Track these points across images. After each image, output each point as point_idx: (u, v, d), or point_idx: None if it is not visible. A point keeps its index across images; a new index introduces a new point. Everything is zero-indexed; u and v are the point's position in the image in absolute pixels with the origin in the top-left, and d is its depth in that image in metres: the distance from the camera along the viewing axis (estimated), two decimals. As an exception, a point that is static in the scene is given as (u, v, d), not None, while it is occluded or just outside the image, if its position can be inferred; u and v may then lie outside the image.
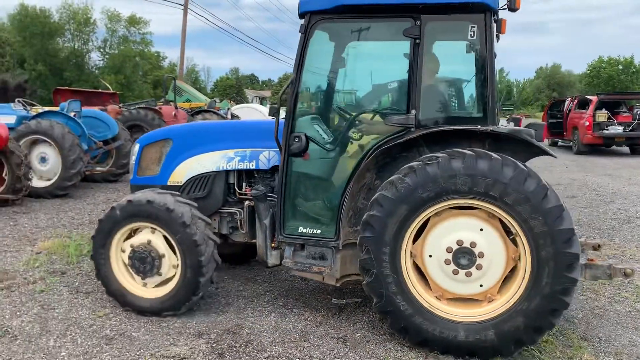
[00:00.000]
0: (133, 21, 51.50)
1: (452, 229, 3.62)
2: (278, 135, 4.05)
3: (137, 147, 4.86)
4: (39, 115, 9.83)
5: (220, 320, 4.21)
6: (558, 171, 13.65)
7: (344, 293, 4.82)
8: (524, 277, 3.50)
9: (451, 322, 3.61)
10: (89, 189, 10.33)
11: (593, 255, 4.35)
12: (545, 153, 3.73)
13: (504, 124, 4.48)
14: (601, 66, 64.17)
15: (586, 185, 11.46)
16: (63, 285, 4.93)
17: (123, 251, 4.22)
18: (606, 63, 64.25)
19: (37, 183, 9.19)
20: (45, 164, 9.35)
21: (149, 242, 4.13)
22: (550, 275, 3.40)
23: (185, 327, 4.07)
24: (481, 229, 3.58)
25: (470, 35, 3.69)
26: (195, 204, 4.26)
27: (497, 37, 3.95)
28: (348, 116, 4.35)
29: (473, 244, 3.57)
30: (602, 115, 17.99)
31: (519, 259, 3.56)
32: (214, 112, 16.54)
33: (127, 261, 4.20)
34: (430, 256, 3.68)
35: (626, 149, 18.88)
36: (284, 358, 3.62)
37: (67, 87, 18.00)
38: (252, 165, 4.46)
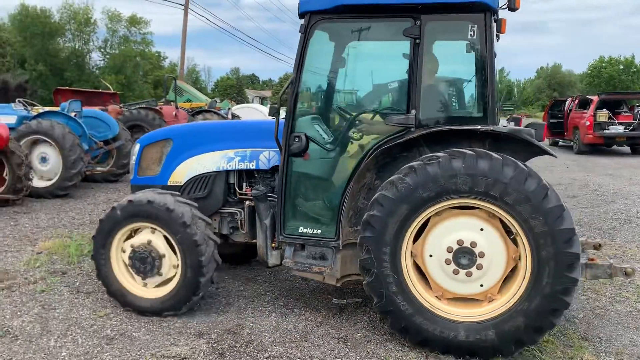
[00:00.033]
0: (134, 21, 51.52)
1: (453, 228, 3.62)
2: (278, 135, 4.05)
3: (137, 147, 4.86)
4: (39, 115, 9.84)
5: (221, 320, 4.22)
6: (559, 171, 13.65)
7: (345, 293, 4.82)
8: (524, 277, 3.50)
9: (452, 322, 3.61)
10: (89, 189, 10.34)
11: (594, 254, 4.35)
12: (546, 153, 3.73)
13: (504, 124, 4.48)
14: (602, 66, 64.08)
15: (587, 185, 11.45)
16: (64, 286, 4.93)
17: (123, 251, 4.22)
18: (607, 63, 64.16)
19: (37, 183, 9.20)
20: (46, 164, 9.36)
21: (149, 242, 4.13)
22: (551, 275, 3.40)
23: (186, 327, 4.07)
24: (481, 229, 3.58)
25: (470, 35, 3.69)
26: (196, 204, 4.26)
27: (497, 36, 3.95)
28: (348, 116, 4.35)
29: (473, 244, 3.57)
30: (603, 115, 17.98)
31: (520, 259, 3.56)
32: (215, 112, 16.55)
33: (127, 261, 4.21)
34: (430, 256, 3.68)
35: (627, 148, 18.87)
36: (284, 358, 3.62)
37: (67, 87, 17.99)
38: (253, 165, 4.46)
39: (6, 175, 8.36)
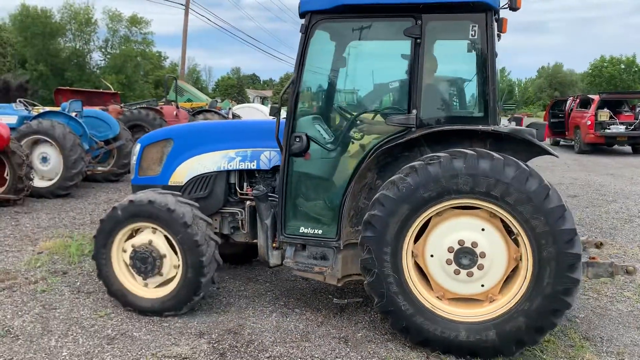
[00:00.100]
0: (134, 21, 51.52)
1: (454, 228, 3.62)
2: (279, 135, 4.05)
3: (138, 147, 4.86)
4: (40, 115, 9.84)
5: (222, 320, 4.22)
6: (560, 170, 13.64)
7: (345, 293, 4.82)
8: (525, 277, 3.50)
9: (452, 322, 3.61)
10: (90, 189, 10.34)
11: (595, 253, 4.34)
12: (547, 152, 3.72)
13: (505, 124, 4.48)
14: (603, 65, 64.04)
15: (588, 184, 11.44)
16: (64, 285, 4.93)
17: (124, 251, 4.22)
18: (608, 62, 64.13)
19: (38, 183, 9.20)
20: (47, 164, 9.36)
21: (150, 242, 4.13)
22: (552, 275, 3.39)
23: (187, 327, 4.07)
24: (483, 229, 3.58)
25: (472, 34, 3.69)
26: (197, 204, 4.26)
27: (499, 36, 3.95)
28: (349, 116, 4.35)
29: (474, 244, 3.56)
30: (604, 115, 17.98)
31: (521, 259, 3.55)
32: (215, 112, 16.54)
33: (128, 261, 4.21)
34: (431, 256, 3.67)
35: (628, 148, 18.87)
36: (285, 358, 3.62)
37: (68, 87, 18.00)
38: (253, 165, 4.46)
39: (7, 175, 8.36)
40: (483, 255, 3.56)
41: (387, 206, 3.57)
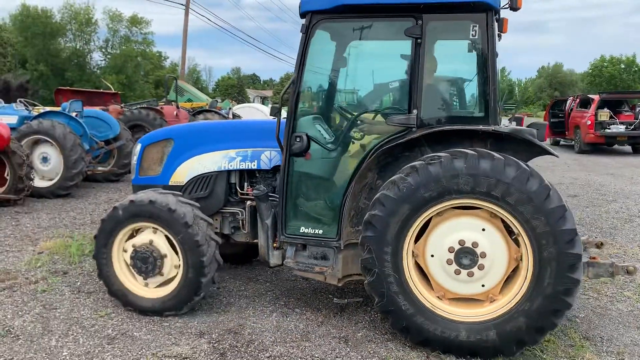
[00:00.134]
0: (135, 21, 51.54)
1: (454, 228, 3.62)
2: (279, 135, 4.05)
3: (138, 147, 4.86)
4: (40, 115, 9.84)
5: (222, 320, 4.22)
6: (560, 170, 13.64)
7: (346, 293, 4.82)
8: (526, 278, 3.50)
9: (453, 322, 3.61)
10: (90, 189, 10.34)
11: (595, 253, 4.34)
12: (548, 153, 3.72)
13: (505, 124, 4.48)
14: (603, 65, 64.05)
15: (588, 184, 11.44)
16: (65, 285, 4.93)
17: (125, 251, 4.22)
18: (608, 62, 64.12)
19: (39, 183, 9.20)
20: (47, 164, 9.36)
21: (151, 242, 4.13)
22: (553, 275, 3.39)
23: (187, 326, 4.07)
24: (483, 229, 3.58)
25: (472, 34, 3.69)
26: (198, 205, 4.26)
27: (499, 36, 3.95)
28: (349, 116, 4.35)
29: (475, 244, 3.56)
30: (604, 114, 17.97)
31: (521, 259, 3.55)
32: (216, 112, 16.55)
33: (129, 261, 4.21)
34: (432, 256, 3.67)
35: (628, 148, 18.87)
36: (285, 358, 3.62)
37: (68, 87, 17.99)
38: (254, 165, 4.46)
39: (7, 175, 8.37)
40: (484, 255, 3.56)
41: (388, 206, 3.57)
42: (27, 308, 4.39)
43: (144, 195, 4.16)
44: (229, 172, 4.57)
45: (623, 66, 63.78)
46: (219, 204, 4.57)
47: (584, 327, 4.21)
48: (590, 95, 19.83)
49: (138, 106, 14.60)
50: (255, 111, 20.14)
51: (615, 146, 18.89)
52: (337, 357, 3.66)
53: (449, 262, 3.62)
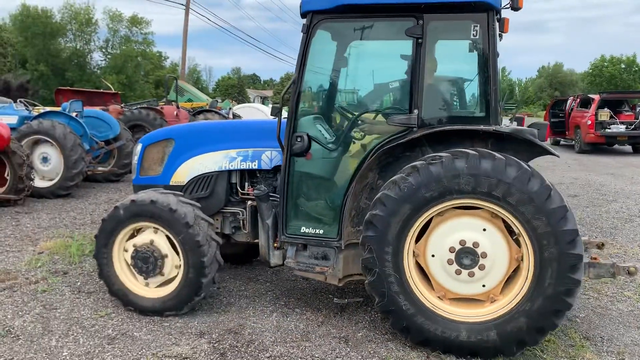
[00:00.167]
0: (135, 21, 51.55)
1: (455, 228, 3.62)
2: (280, 135, 4.05)
3: (139, 147, 4.86)
4: (40, 115, 9.84)
5: (222, 320, 4.21)
6: (560, 170, 13.64)
7: (346, 293, 4.82)
8: (526, 278, 3.50)
9: (453, 322, 3.61)
10: (90, 189, 10.34)
11: (596, 253, 4.34)
12: (549, 153, 3.72)
13: (506, 124, 4.47)
14: (603, 65, 64.02)
15: (588, 184, 11.44)
16: (65, 285, 4.93)
17: (126, 251, 4.22)
18: (608, 62, 64.09)
19: (39, 183, 9.20)
20: (47, 164, 9.36)
21: (151, 242, 4.13)
22: (554, 276, 3.39)
23: (187, 326, 4.07)
24: (484, 229, 3.57)
25: (473, 34, 3.69)
26: (199, 205, 4.25)
27: (500, 36, 3.95)
28: (350, 116, 4.35)
29: (476, 244, 3.56)
30: (605, 114, 17.97)
31: (522, 260, 3.55)
32: (216, 112, 16.54)
33: (129, 261, 4.20)
34: (433, 256, 3.67)
35: (629, 147, 18.87)
36: (285, 358, 3.62)
37: (69, 87, 17.98)
38: (255, 165, 4.46)
39: (8, 175, 8.36)
40: (484, 255, 3.56)
41: (389, 206, 3.56)
42: (27, 308, 4.39)
43: (145, 195, 4.16)
44: (229, 172, 4.57)
45: (623, 66, 63.75)
46: (220, 204, 4.57)
47: (584, 327, 4.21)
48: (590, 95, 19.83)
49: (138, 106, 14.60)
50: (255, 111, 20.12)
51: (616, 146, 18.90)
52: (337, 357, 3.66)
53: (449, 262, 3.62)
